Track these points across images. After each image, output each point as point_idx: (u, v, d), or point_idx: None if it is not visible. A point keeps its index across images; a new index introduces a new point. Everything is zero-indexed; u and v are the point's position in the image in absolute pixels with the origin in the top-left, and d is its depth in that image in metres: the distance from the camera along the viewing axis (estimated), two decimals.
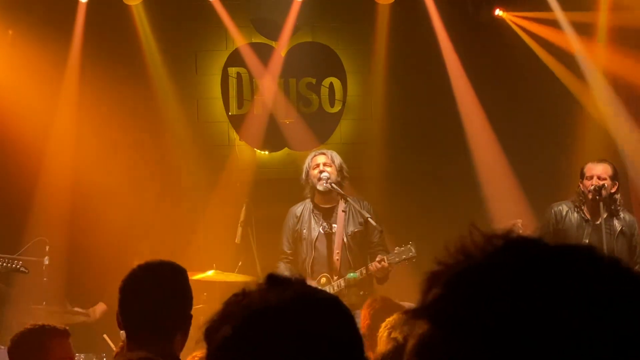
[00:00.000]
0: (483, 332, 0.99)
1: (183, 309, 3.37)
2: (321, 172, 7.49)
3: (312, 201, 7.62)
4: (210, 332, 1.58)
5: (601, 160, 7.39)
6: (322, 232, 7.52)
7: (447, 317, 1.02)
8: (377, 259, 7.40)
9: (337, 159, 7.60)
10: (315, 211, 7.57)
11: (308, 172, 7.58)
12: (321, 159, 7.57)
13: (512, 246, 1.04)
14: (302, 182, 7.66)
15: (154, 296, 3.33)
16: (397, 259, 7.48)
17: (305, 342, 1.52)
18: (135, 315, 3.32)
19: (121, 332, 3.46)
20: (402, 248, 7.51)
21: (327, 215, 7.55)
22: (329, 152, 7.69)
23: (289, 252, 7.61)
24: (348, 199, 7.47)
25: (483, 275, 1.02)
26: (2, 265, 7.70)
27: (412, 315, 1.05)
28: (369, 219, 7.31)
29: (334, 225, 7.53)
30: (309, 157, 7.68)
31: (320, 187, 7.46)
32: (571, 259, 1.02)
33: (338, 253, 7.43)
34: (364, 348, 1.60)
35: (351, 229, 7.50)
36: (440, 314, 1.03)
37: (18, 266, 7.71)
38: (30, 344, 4.46)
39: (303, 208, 7.63)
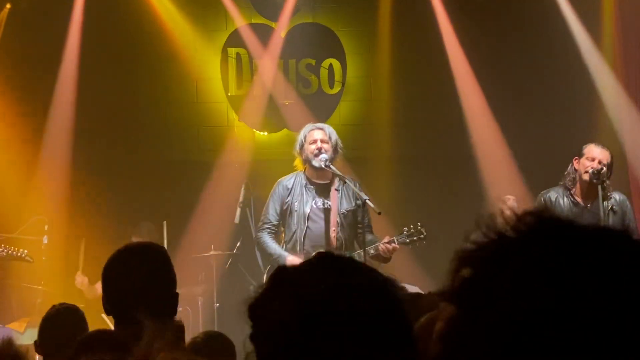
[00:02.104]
0: (515, 317, 0.94)
1: (168, 289, 3.36)
2: (319, 149, 7.37)
3: (305, 174, 7.50)
4: (257, 309, 1.59)
5: (603, 145, 7.41)
6: (316, 207, 7.41)
7: (477, 301, 0.97)
8: (386, 240, 7.32)
9: (334, 135, 7.49)
10: (309, 185, 7.45)
11: (303, 145, 7.45)
12: (318, 135, 7.43)
13: (546, 226, 1.00)
14: (294, 153, 7.55)
15: (138, 278, 3.28)
16: (407, 240, 7.44)
17: (361, 321, 1.53)
18: (121, 298, 3.28)
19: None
20: (412, 230, 7.46)
21: (321, 191, 7.44)
22: (327, 128, 7.55)
23: (275, 222, 7.43)
24: (346, 180, 7.40)
25: (516, 257, 0.97)
26: (7, 253, 7.69)
27: (441, 297, 1.01)
28: (367, 201, 7.26)
29: (326, 201, 7.44)
30: (306, 130, 7.48)
31: (315, 164, 7.34)
32: (607, 242, 0.99)
33: (335, 230, 7.37)
34: (412, 331, 1.61)
35: (345, 207, 7.42)
36: (470, 297, 0.98)
37: (23, 255, 7.69)
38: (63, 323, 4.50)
39: (294, 181, 7.44)
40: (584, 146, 7.35)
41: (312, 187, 7.43)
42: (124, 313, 3.27)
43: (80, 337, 3.02)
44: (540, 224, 1.00)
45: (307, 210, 7.36)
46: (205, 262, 8.61)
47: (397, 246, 7.33)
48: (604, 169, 7.21)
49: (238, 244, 8.58)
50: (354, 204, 7.40)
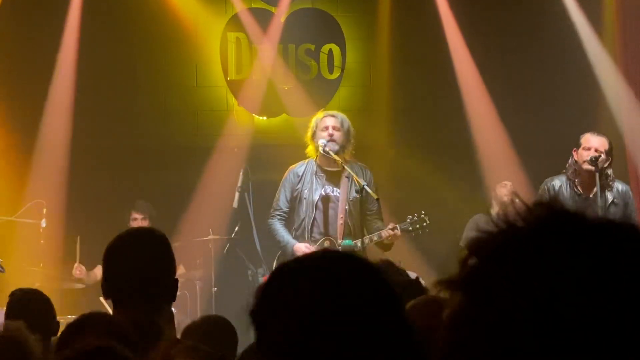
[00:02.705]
0: (519, 308, 0.93)
1: (168, 275, 3.36)
2: (330, 135, 7.37)
3: (316, 162, 7.48)
4: (257, 315, 1.62)
5: (600, 133, 7.40)
6: (324, 194, 7.40)
7: (481, 290, 0.96)
8: (390, 226, 7.31)
9: (346, 123, 7.46)
10: (319, 173, 7.43)
11: (315, 132, 7.44)
12: (330, 121, 7.40)
13: (555, 218, 0.98)
14: (306, 140, 7.49)
15: (140, 262, 3.27)
16: (410, 228, 7.43)
17: (358, 322, 1.56)
18: (121, 282, 3.27)
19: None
20: (416, 217, 7.44)
21: (331, 178, 7.42)
22: (339, 115, 7.52)
23: (285, 209, 7.45)
24: (345, 166, 7.38)
25: (519, 252, 0.97)
26: None
27: (446, 285, 1.00)
28: (365, 187, 7.25)
29: (335, 189, 7.44)
30: (319, 117, 7.49)
31: (330, 147, 7.32)
32: (616, 237, 0.97)
33: (342, 217, 7.37)
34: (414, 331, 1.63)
35: (354, 194, 7.40)
36: (474, 286, 0.97)
37: None
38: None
39: (305, 168, 7.45)
40: (581, 136, 7.35)
41: (323, 174, 7.42)
42: (124, 297, 3.27)
43: (74, 320, 3.00)
44: (549, 217, 0.99)
45: (316, 198, 7.36)
46: (203, 247, 8.62)
47: (399, 233, 7.34)
48: (602, 155, 7.19)
49: (236, 229, 8.58)
50: (357, 192, 7.39)
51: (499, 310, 0.94)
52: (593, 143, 7.23)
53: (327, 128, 7.37)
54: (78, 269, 8.36)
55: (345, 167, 7.37)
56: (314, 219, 7.34)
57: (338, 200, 7.38)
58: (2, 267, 7.53)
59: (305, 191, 7.37)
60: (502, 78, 9.66)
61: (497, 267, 0.97)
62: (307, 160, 7.55)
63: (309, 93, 9.75)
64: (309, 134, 7.46)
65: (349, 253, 1.71)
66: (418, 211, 7.50)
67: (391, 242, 7.34)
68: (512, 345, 0.93)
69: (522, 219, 0.99)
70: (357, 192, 7.35)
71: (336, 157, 7.35)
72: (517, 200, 1.00)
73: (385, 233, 7.29)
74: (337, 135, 7.36)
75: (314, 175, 7.42)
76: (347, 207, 7.37)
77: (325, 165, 7.45)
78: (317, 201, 7.36)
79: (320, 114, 7.57)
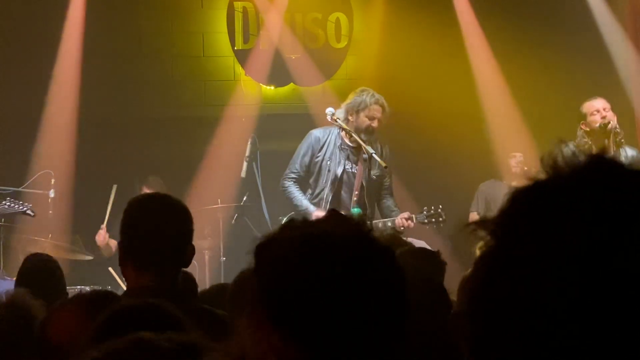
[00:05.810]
0: (542, 251, 0.92)
1: (188, 240, 3.34)
2: (374, 128, 7.23)
3: (340, 135, 7.39)
4: (263, 250, 1.58)
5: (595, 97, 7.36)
6: (345, 169, 7.39)
7: (512, 232, 0.96)
8: (405, 215, 7.33)
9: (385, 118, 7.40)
10: (343, 146, 7.37)
11: (359, 113, 7.25)
12: (379, 114, 7.25)
13: (600, 165, 0.97)
14: (346, 110, 7.29)
15: (163, 223, 3.23)
16: (425, 220, 7.42)
17: (358, 280, 1.52)
18: (143, 240, 3.22)
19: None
20: (432, 211, 7.43)
21: (352, 154, 7.38)
22: (387, 109, 7.37)
23: (302, 173, 7.38)
24: (353, 134, 7.33)
25: (558, 193, 0.95)
26: (8, 206, 7.61)
27: (480, 225, 1.00)
28: (373, 155, 7.20)
29: (354, 165, 7.40)
30: (372, 100, 7.27)
31: (364, 137, 7.25)
32: None
33: (357, 194, 7.35)
34: (408, 309, 1.58)
35: (374, 172, 7.38)
36: (506, 228, 0.97)
37: (25, 209, 7.60)
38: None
39: (329, 138, 7.39)
40: (581, 108, 7.28)
41: (346, 148, 7.37)
42: (143, 257, 3.22)
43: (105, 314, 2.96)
44: (594, 164, 0.97)
45: (340, 171, 7.32)
46: (211, 216, 8.62)
47: (413, 225, 7.33)
48: (610, 112, 7.17)
49: (244, 198, 8.59)
50: (378, 170, 7.35)
51: (527, 254, 0.94)
52: (598, 105, 7.19)
53: (374, 119, 7.27)
54: (102, 235, 8.29)
55: (354, 136, 7.32)
56: (334, 193, 7.32)
57: (354, 177, 7.37)
58: (32, 211, 7.54)
59: (329, 163, 7.32)
60: (511, 47, 9.61)
61: (530, 210, 0.96)
62: (328, 128, 7.49)
63: (316, 62, 9.72)
64: (355, 105, 7.26)
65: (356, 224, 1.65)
66: (437, 205, 7.45)
67: (402, 230, 7.29)
68: (537, 292, 0.92)
69: (568, 165, 0.98)
70: (365, 160, 7.33)
71: (343, 125, 7.31)
72: (564, 150, 0.98)
73: (399, 222, 7.28)
74: (376, 126, 7.28)
75: (337, 148, 7.36)
76: (363, 184, 7.35)
77: (349, 140, 7.39)
78: (340, 176, 7.32)
79: (373, 98, 7.29)
